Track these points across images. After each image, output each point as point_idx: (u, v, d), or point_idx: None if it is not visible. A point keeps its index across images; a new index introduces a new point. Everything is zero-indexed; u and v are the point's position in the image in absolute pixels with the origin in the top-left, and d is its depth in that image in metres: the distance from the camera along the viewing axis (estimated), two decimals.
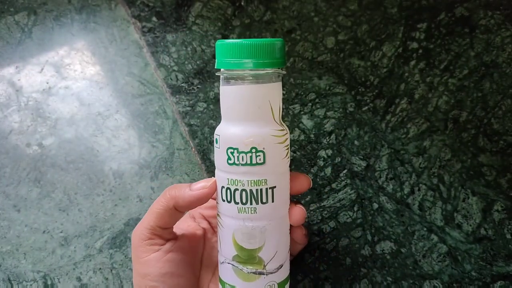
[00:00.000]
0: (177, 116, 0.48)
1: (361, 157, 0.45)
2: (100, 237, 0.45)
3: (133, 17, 0.50)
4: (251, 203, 0.32)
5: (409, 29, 0.47)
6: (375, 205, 0.44)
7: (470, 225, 0.43)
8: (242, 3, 0.49)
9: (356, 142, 0.46)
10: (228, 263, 0.34)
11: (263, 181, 0.32)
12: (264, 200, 0.32)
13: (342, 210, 0.44)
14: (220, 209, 0.34)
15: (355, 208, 0.44)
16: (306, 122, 0.47)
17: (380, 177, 0.45)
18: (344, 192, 0.45)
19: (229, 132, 0.32)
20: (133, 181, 0.47)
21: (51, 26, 0.51)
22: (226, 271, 0.34)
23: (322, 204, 0.45)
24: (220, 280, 0.35)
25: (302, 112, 0.47)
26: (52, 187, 0.47)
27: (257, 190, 0.32)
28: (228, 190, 0.32)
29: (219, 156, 0.33)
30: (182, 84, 0.48)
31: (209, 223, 0.40)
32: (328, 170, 0.46)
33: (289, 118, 0.47)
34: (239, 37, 0.49)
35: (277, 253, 0.34)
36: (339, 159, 0.46)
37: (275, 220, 0.33)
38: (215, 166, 0.34)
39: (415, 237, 0.43)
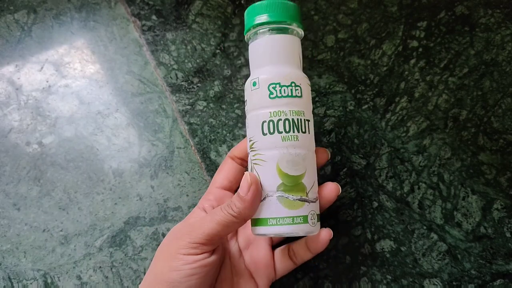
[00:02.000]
0: (177, 114, 0.48)
1: (361, 155, 0.45)
2: (100, 235, 0.46)
3: (133, 16, 0.50)
4: (293, 131, 0.35)
5: (409, 28, 0.47)
6: (375, 204, 0.44)
7: (470, 224, 0.43)
8: (242, 1, 0.49)
9: (356, 141, 0.46)
10: (272, 195, 0.35)
11: (301, 112, 0.36)
12: (303, 130, 0.36)
13: (342, 208, 0.44)
14: (260, 146, 0.36)
15: (355, 207, 0.44)
16: None
17: (380, 175, 0.45)
18: (344, 190, 0.45)
19: (269, 72, 0.36)
20: (133, 180, 0.47)
21: (51, 25, 0.51)
22: (269, 206, 0.35)
23: None
24: (258, 220, 0.36)
25: None
26: (52, 185, 0.47)
27: (298, 119, 0.36)
28: (271, 122, 0.35)
29: (258, 96, 0.36)
30: (182, 83, 0.48)
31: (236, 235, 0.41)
32: (328, 169, 0.46)
33: None
34: (238, 36, 0.49)
35: (314, 183, 0.37)
36: (339, 158, 0.46)
37: (311, 151, 0.37)
38: (249, 109, 0.37)
39: (415, 236, 0.43)
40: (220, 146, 0.47)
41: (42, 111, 0.49)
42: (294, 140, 0.35)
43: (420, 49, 0.47)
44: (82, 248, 0.45)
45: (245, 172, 0.35)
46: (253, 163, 0.36)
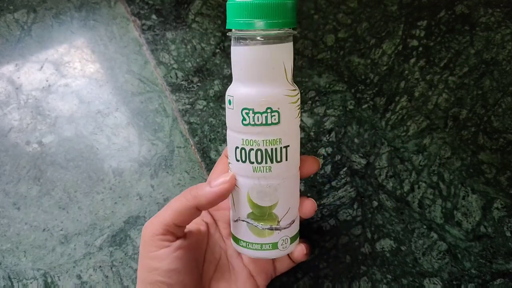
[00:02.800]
0: (176, 114, 0.48)
1: (361, 155, 0.45)
2: (100, 235, 0.46)
3: (133, 15, 0.50)
4: (266, 162, 0.33)
5: (409, 27, 0.47)
6: (375, 203, 0.44)
7: (470, 223, 0.43)
8: None
9: (356, 140, 0.46)
10: (243, 220, 0.35)
11: (277, 140, 0.33)
12: (278, 159, 0.33)
13: (342, 208, 0.44)
14: (234, 169, 0.34)
15: (355, 206, 0.44)
16: (306, 120, 0.47)
17: (380, 175, 0.45)
18: (344, 190, 0.45)
19: (243, 93, 0.32)
20: (133, 179, 0.47)
21: (51, 24, 0.51)
22: (241, 228, 0.35)
23: (322, 202, 0.45)
24: (234, 237, 0.36)
25: (302, 110, 0.47)
26: (52, 185, 0.47)
27: (272, 149, 0.33)
28: (243, 151, 0.33)
29: (232, 118, 0.33)
30: (182, 82, 0.48)
31: (212, 216, 0.40)
32: (328, 168, 0.46)
33: None
34: None
35: (289, 209, 0.35)
36: (339, 157, 0.46)
37: (288, 178, 0.34)
38: (226, 127, 0.35)
39: (415, 235, 0.43)
40: (220, 145, 0.47)
41: (42, 111, 0.49)
42: (266, 172, 0.33)
43: (420, 48, 0.47)
44: (82, 247, 0.45)
45: (229, 172, 0.35)
46: None
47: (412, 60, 0.47)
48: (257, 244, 0.35)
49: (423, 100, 0.46)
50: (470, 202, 0.43)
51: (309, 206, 0.36)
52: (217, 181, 0.34)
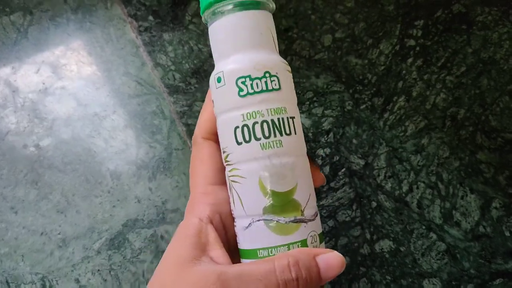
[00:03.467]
0: (174, 116, 0.48)
1: (360, 155, 0.45)
2: (98, 238, 0.45)
3: (129, 16, 0.50)
4: (275, 135, 0.28)
5: (406, 27, 0.47)
6: (374, 204, 0.44)
7: (469, 223, 0.43)
8: None
9: (354, 141, 0.46)
10: (259, 220, 0.28)
11: (283, 109, 0.29)
12: (287, 131, 0.29)
13: (341, 209, 0.44)
14: (235, 158, 0.29)
15: (354, 207, 0.44)
16: (304, 120, 0.46)
17: (379, 175, 0.45)
18: (343, 190, 0.45)
19: (235, 63, 0.29)
20: (131, 182, 0.47)
21: (47, 26, 0.51)
22: (257, 233, 0.28)
23: (321, 203, 0.45)
24: (246, 251, 0.29)
25: (299, 111, 0.47)
26: (49, 188, 0.47)
27: (279, 119, 0.28)
28: (245, 128, 0.28)
29: (225, 95, 0.29)
30: (180, 84, 0.48)
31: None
32: (327, 169, 0.45)
33: None
34: None
35: (310, 196, 0.29)
36: (337, 158, 0.46)
37: (302, 156, 0.30)
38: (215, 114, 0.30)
39: (414, 235, 0.43)
40: None
41: (39, 113, 0.49)
42: (277, 147, 0.28)
43: (418, 48, 0.47)
44: (80, 251, 0.45)
45: (226, 173, 0.29)
46: (231, 181, 0.29)
47: (410, 60, 0.46)
48: (284, 246, 0.28)
49: (421, 100, 0.46)
50: (468, 202, 0.43)
51: (321, 177, 0.31)
52: (330, 270, 0.26)
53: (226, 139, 0.29)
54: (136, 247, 0.45)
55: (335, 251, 0.27)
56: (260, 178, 0.28)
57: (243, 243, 0.29)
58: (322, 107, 0.47)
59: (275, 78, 0.29)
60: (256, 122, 0.28)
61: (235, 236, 0.30)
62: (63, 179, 0.47)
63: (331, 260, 0.26)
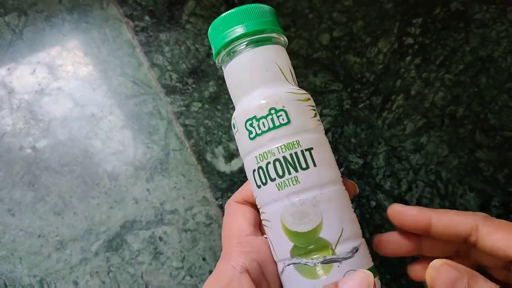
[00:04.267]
0: (171, 116, 0.48)
1: (358, 154, 0.45)
2: (96, 240, 0.45)
3: (126, 16, 0.50)
4: (289, 173, 0.26)
5: (405, 25, 0.47)
6: (373, 203, 0.44)
7: None
8: (235, 1, 0.49)
9: (353, 140, 0.45)
10: (288, 264, 0.27)
11: (295, 143, 0.27)
12: (303, 165, 0.27)
13: None
14: (260, 202, 0.28)
15: (353, 206, 0.44)
16: None
17: (378, 174, 0.44)
18: None
19: (241, 108, 0.28)
20: (128, 183, 0.46)
21: (42, 27, 0.50)
22: (289, 278, 0.27)
23: None
24: None
25: None
26: (46, 190, 0.46)
27: (291, 155, 0.27)
28: (260, 170, 0.27)
29: (240, 140, 0.28)
30: (177, 84, 0.48)
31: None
32: None
33: None
34: None
35: (343, 230, 0.26)
36: (336, 157, 0.45)
37: (327, 188, 0.27)
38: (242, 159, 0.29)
39: None
40: (216, 147, 0.46)
41: (35, 115, 0.48)
42: (293, 184, 0.26)
43: (416, 46, 0.46)
44: (78, 253, 0.45)
45: (361, 271, 0.25)
46: (264, 225, 0.28)
47: (408, 58, 0.46)
48: None
49: (420, 99, 0.46)
50: (468, 200, 0.43)
51: (351, 187, 0.29)
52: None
53: (251, 183, 0.28)
54: (134, 249, 0.45)
55: (360, 270, 0.25)
56: (282, 220, 0.27)
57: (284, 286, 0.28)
58: (320, 106, 0.46)
59: (282, 113, 0.27)
60: (269, 163, 0.27)
61: (280, 284, 0.28)
62: (60, 180, 0.47)
63: (351, 281, 0.25)
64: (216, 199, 0.46)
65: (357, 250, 0.27)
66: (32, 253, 0.45)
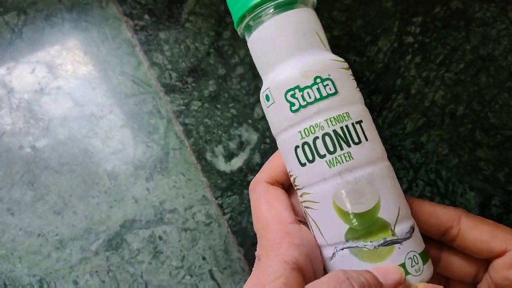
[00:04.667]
0: (171, 115, 0.48)
1: None
2: (96, 239, 0.45)
3: (125, 15, 0.50)
4: (341, 148, 0.24)
5: (405, 23, 0.47)
6: None
7: None
8: None
9: None
10: (342, 248, 0.24)
11: (345, 115, 0.25)
12: (356, 140, 0.24)
13: None
14: (303, 181, 0.25)
15: None
16: None
17: None
18: None
19: (279, 76, 0.25)
20: (128, 182, 0.46)
21: (42, 26, 0.50)
22: (343, 264, 0.25)
23: None
24: None
25: None
26: (46, 189, 0.46)
27: (342, 128, 0.24)
28: (306, 146, 0.25)
29: (277, 114, 0.26)
30: (176, 83, 0.48)
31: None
32: None
33: None
34: (232, 34, 0.48)
35: (400, 209, 0.25)
36: None
37: (380, 164, 0.25)
38: (272, 136, 0.27)
39: None
40: (216, 146, 0.46)
41: (34, 114, 0.48)
42: (347, 160, 0.24)
43: (416, 45, 0.46)
44: (78, 252, 0.45)
45: (299, 198, 0.25)
46: (304, 207, 0.26)
47: (408, 57, 0.46)
48: None
49: (420, 98, 0.45)
50: (468, 199, 0.43)
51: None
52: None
53: (290, 162, 0.26)
54: (134, 248, 0.45)
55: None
56: (334, 200, 0.24)
57: (330, 272, 0.25)
58: None
59: (328, 82, 0.25)
60: (317, 137, 0.24)
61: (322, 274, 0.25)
62: (60, 180, 0.47)
63: (385, 271, 0.23)
64: (216, 198, 0.46)
65: (413, 230, 0.25)
66: (31, 252, 0.45)
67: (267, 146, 0.45)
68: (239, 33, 0.28)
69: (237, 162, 0.46)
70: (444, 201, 0.43)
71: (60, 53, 0.50)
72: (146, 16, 0.49)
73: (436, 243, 0.29)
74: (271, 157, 0.29)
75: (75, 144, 0.47)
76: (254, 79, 0.47)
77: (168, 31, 0.49)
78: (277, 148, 0.27)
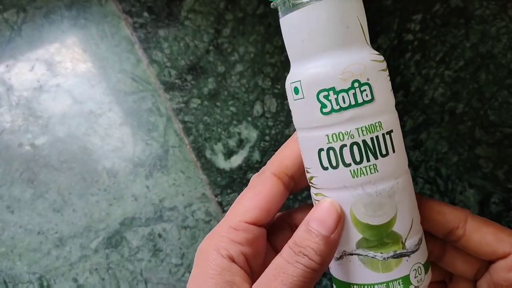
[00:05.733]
0: (171, 113, 0.47)
1: None
2: (95, 237, 0.45)
3: (124, 13, 0.50)
4: (368, 160, 0.23)
5: (404, 21, 0.47)
6: None
7: None
8: None
9: None
10: (351, 253, 0.25)
11: (377, 125, 0.23)
12: (383, 152, 0.24)
13: None
14: (322, 184, 0.25)
15: None
16: None
17: None
18: None
19: (314, 71, 0.23)
20: (127, 180, 0.46)
21: (41, 23, 0.50)
22: (349, 267, 0.25)
23: None
24: (337, 281, 0.26)
25: None
26: (45, 187, 0.46)
27: (372, 139, 0.23)
28: (332, 151, 0.24)
29: (305, 110, 0.24)
30: (176, 81, 0.48)
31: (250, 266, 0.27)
32: None
33: (285, 114, 0.46)
34: (232, 32, 0.48)
35: (413, 222, 0.25)
36: None
37: (402, 177, 0.25)
38: (294, 128, 0.26)
39: None
40: (215, 144, 0.46)
41: (34, 112, 0.48)
42: (371, 173, 0.23)
43: (416, 43, 0.46)
44: (77, 250, 0.45)
45: (325, 199, 0.25)
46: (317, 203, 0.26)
47: (408, 55, 0.46)
48: (381, 284, 0.24)
49: (419, 95, 0.45)
50: (467, 197, 0.43)
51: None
52: (327, 224, 0.23)
53: (309, 160, 0.25)
54: (133, 246, 0.45)
55: (325, 199, 0.24)
56: (351, 209, 0.24)
57: (335, 272, 0.26)
58: None
59: (366, 87, 0.23)
60: (345, 145, 0.23)
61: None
62: (59, 177, 0.47)
63: (317, 214, 0.24)
64: (215, 196, 0.46)
65: (421, 242, 0.25)
66: (31, 250, 0.45)
67: (267, 143, 0.45)
68: (272, 4, 0.25)
69: (236, 160, 0.46)
70: (444, 198, 0.43)
71: (59, 51, 0.50)
72: (145, 14, 0.49)
73: (441, 239, 0.29)
74: (283, 146, 0.28)
75: (74, 142, 0.47)
76: (253, 76, 0.47)
77: (167, 29, 0.49)
78: (277, 146, 0.27)
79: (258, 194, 0.27)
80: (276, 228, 0.29)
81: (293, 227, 0.29)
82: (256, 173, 0.28)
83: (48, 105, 0.48)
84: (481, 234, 0.27)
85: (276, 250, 0.29)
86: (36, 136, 0.48)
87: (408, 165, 0.43)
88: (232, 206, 0.28)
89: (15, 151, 0.47)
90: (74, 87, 0.49)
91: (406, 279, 0.24)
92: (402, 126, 0.45)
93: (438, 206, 0.28)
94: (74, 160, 0.47)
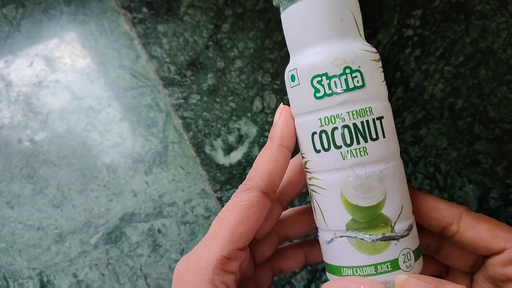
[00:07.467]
0: (170, 108, 0.47)
1: None
2: (95, 232, 0.45)
3: (123, 8, 0.49)
4: (358, 142, 0.25)
5: (404, 16, 0.47)
6: None
7: None
8: None
9: None
10: (341, 236, 0.26)
11: (367, 109, 0.25)
12: (373, 136, 0.25)
13: None
14: (314, 167, 0.26)
15: None
16: None
17: None
18: None
19: (309, 59, 0.25)
20: (127, 176, 0.46)
21: (40, 19, 0.50)
22: (340, 250, 0.26)
23: None
24: (330, 266, 0.27)
25: None
26: (45, 183, 0.46)
27: (362, 122, 0.25)
28: (324, 134, 0.25)
29: (300, 96, 0.26)
30: (175, 76, 0.48)
31: None
32: None
33: None
34: (231, 27, 0.48)
35: (403, 208, 0.26)
36: None
37: (392, 162, 0.26)
38: (292, 112, 0.27)
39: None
40: (215, 140, 0.46)
41: (33, 107, 0.48)
42: (361, 155, 0.25)
43: (416, 38, 0.46)
44: (77, 245, 0.45)
45: (308, 180, 0.27)
46: (311, 190, 0.27)
47: (408, 50, 0.46)
48: (370, 266, 0.25)
49: (419, 91, 0.45)
50: (466, 192, 0.43)
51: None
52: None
53: (304, 145, 0.26)
54: (133, 241, 0.45)
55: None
56: (342, 191, 0.25)
57: (327, 257, 0.27)
58: None
59: (357, 74, 0.25)
60: (336, 128, 0.25)
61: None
62: (59, 173, 0.47)
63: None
64: (215, 192, 0.46)
65: (412, 228, 0.26)
66: (31, 245, 0.45)
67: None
68: (274, 2, 0.27)
69: (236, 156, 0.46)
70: (443, 194, 0.43)
71: (58, 46, 0.50)
72: (145, 9, 0.49)
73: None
74: (264, 151, 0.28)
75: (73, 138, 0.47)
76: (253, 72, 0.47)
77: (166, 24, 0.49)
78: None
79: (250, 218, 0.26)
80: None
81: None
82: (244, 186, 0.27)
83: (47, 100, 0.48)
84: (476, 231, 0.27)
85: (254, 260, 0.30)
86: (36, 131, 0.48)
87: (408, 161, 0.43)
88: (220, 222, 0.26)
89: (15, 147, 0.47)
90: (73, 82, 0.49)
91: (394, 263, 0.25)
92: (402, 122, 0.45)
93: (434, 201, 0.28)
94: (73, 156, 0.47)
